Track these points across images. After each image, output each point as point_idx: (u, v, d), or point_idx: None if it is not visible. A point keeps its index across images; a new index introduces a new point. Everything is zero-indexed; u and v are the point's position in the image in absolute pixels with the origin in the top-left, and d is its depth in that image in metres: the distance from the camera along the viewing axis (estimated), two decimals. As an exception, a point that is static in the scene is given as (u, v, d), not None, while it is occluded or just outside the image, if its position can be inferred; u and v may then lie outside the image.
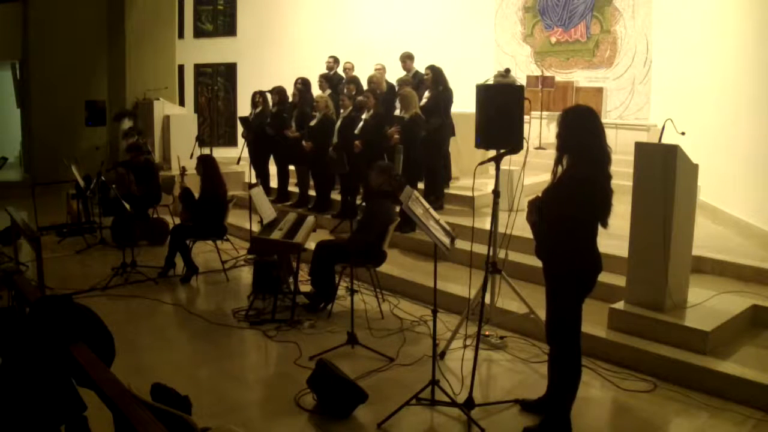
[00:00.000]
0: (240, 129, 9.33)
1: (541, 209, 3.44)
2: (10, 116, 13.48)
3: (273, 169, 8.92)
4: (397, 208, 5.54)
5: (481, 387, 4.25)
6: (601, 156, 3.36)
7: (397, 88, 7.99)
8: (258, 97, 8.78)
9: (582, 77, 11.37)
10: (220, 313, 5.62)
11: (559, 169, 3.46)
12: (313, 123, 8.00)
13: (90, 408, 2.52)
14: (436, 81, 7.39)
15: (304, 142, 7.89)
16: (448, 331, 4.85)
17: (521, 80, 9.44)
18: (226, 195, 6.77)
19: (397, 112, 7.42)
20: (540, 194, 3.50)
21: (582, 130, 3.38)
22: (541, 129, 10.70)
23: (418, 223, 3.89)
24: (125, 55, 11.65)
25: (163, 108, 11.20)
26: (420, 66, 8.34)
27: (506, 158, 4.36)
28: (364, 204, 6.74)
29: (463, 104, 7.73)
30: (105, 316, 2.73)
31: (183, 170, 7.08)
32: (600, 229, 3.46)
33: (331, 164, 7.75)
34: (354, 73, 9.30)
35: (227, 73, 13.39)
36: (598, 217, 3.40)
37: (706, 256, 5.66)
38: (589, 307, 4.94)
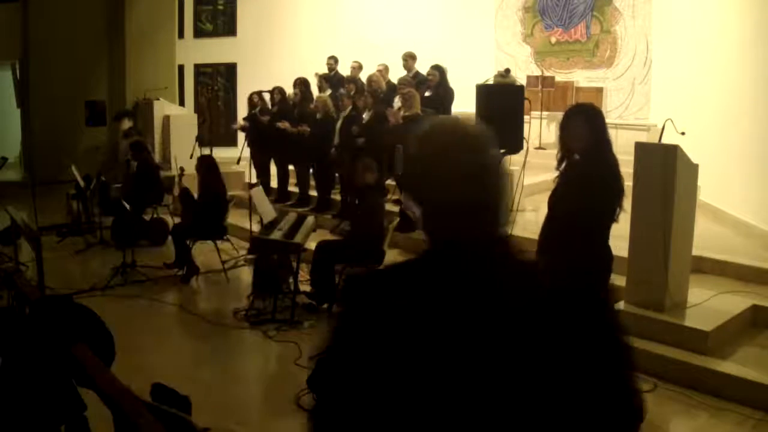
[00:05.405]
0: (240, 129, 9.32)
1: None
2: (10, 116, 13.47)
3: (273, 169, 8.92)
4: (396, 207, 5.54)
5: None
6: (611, 155, 3.38)
7: (398, 88, 7.99)
8: (256, 98, 8.76)
9: (582, 77, 11.36)
10: (220, 313, 5.62)
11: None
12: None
13: (90, 408, 2.52)
14: (438, 81, 7.40)
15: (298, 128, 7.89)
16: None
17: (521, 80, 9.42)
18: (226, 195, 6.78)
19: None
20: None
21: (600, 129, 3.38)
22: (541, 129, 10.69)
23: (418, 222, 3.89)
24: (125, 55, 11.66)
25: (163, 108, 11.20)
26: (421, 66, 8.33)
27: (506, 158, 4.37)
28: (357, 201, 6.72)
29: (463, 104, 7.72)
30: (105, 316, 2.74)
31: (181, 171, 7.09)
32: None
33: (331, 164, 7.75)
34: (356, 73, 9.30)
35: (227, 73, 13.38)
36: (609, 212, 3.41)
37: (706, 256, 5.65)
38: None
